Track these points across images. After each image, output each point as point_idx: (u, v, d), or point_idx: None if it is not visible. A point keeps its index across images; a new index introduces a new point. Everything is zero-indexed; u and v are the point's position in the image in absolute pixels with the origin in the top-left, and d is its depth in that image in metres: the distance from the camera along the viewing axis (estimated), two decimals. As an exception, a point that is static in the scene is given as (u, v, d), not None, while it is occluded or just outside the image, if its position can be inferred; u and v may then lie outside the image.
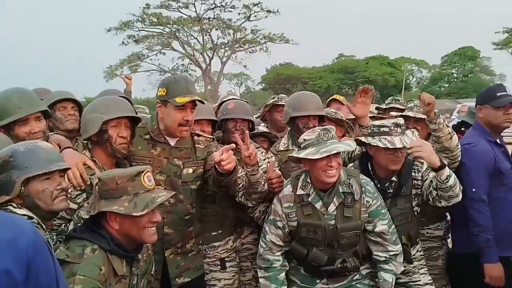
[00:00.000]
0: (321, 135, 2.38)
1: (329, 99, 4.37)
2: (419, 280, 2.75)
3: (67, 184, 1.82)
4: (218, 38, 34.71)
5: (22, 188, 1.70)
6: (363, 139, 2.67)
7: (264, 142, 3.29)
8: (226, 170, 2.22)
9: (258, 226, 2.92)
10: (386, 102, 4.16)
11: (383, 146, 2.52)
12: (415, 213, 2.70)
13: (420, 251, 2.84)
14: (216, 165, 2.25)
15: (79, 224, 2.00)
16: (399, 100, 4.01)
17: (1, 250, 1.03)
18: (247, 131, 2.62)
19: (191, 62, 35.45)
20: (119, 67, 32.89)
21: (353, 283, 2.56)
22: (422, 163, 2.68)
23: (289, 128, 3.10)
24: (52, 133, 2.51)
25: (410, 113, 3.21)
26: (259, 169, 2.55)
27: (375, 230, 2.47)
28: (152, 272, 2.20)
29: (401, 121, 2.63)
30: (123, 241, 1.84)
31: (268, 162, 2.83)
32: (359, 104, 2.87)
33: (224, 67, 35.81)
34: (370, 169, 2.70)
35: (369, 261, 2.63)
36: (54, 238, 2.00)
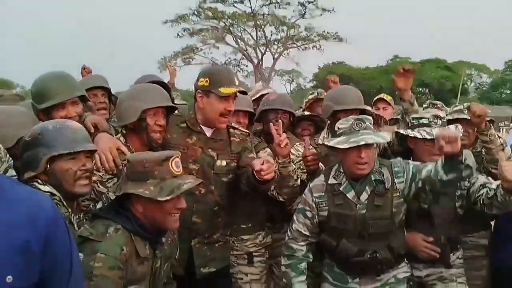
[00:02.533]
0: (354, 124, 2.34)
1: (376, 98, 4.28)
2: None
3: (92, 165, 1.84)
4: (271, 34, 34.63)
5: (48, 165, 1.75)
6: (402, 131, 2.63)
7: (310, 126, 3.25)
8: (264, 180, 2.18)
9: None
10: (424, 106, 3.96)
11: (421, 137, 2.48)
12: (458, 215, 2.58)
13: (460, 258, 2.69)
14: (254, 172, 2.21)
15: (105, 204, 2.03)
16: (436, 104, 3.81)
17: (22, 223, 1.09)
18: (280, 121, 2.64)
19: (243, 57, 35.62)
20: (173, 58, 33.50)
21: (387, 287, 2.47)
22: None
23: (328, 122, 3.03)
24: (88, 113, 2.55)
25: (462, 115, 3.06)
26: (291, 162, 2.51)
27: (423, 175, 2.32)
28: (176, 257, 2.21)
29: (442, 113, 2.57)
30: (147, 224, 1.85)
31: (304, 140, 2.80)
32: (401, 77, 2.81)
33: (276, 63, 35.77)
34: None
35: (407, 265, 2.54)
36: (81, 217, 2.03)
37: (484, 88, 50.82)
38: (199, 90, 2.47)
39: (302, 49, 35.56)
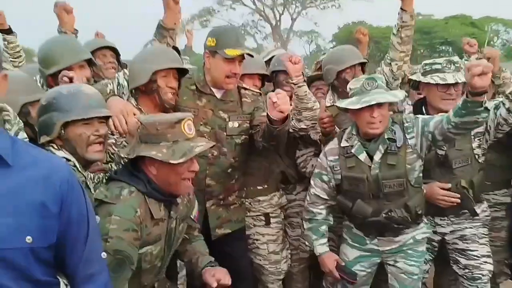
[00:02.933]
0: (365, 84, 2.30)
1: None
2: (476, 250, 2.60)
3: (105, 131, 1.84)
4: (289, -6, 33.89)
5: (62, 131, 1.76)
6: (414, 77, 2.59)
7: (324, 85, 3.18)
8: (281, 110, 2.07)
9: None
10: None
11: (434, 83, 2.44)
12: (476, 156, 2.55)
13: (485, 211, 2.65)
14: (269, 112, 2.15)
15: (120, 167, 2.05)
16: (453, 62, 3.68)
17: (38, 185, 1.11)
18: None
19: (261, 18, 35.03)
20: (190, 21, 33.21)
21: (405, 248, 2.47)
22: None
23: (331, 85, 3.00)
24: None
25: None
26: (305, 82, 2.54)
27: (431, 127, 2.27)
28: (193, 217, 2.23)
29: (456, 58, 2.51)
30: (160, 186, 1.86)
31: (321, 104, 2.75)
32: None
33: (294, 24, 35.11)
34: (424, 112, 2.58)
35: (426, 225, 2.53)
36: (101, 177, 2.05)
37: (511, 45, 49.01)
38: (206, 50, 2.46)
39: (321, 9, 34.83)
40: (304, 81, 2.65)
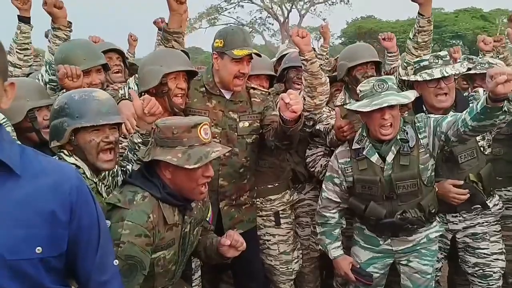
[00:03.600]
0: (375, 86, 2.28)
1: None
2: (487, 248, 2.57)
3: (115, 138, 1.82)
4: (297, -10, 33.73)
5: (73, 137, 1.76)
6: (404, 77, 2.60)
7: (342, 86, 3.15)
8: (294, 110, 2.07)
9: (320, 182, 2.87)
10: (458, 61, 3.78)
11: (422, 79, 2.43)
12: (482, 148, 2.53)
13: (497, 205, 2.62)
14: (281, 113, 2.15)
15: (135, 170, 2.02)
16: (472, 59, 3.66)
17: (47, 194, 1.11)
18: None
19: (269, 15, 34.92)
20: (198, 20, 33.21)
21: (418, 247, 2.46)
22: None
23: (345, 84, 2.98)
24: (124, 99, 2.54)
25: (474, 71, 3.01)
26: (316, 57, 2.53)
27: (444, 128, 2.25)
28: (208, 219, 2.22)
29: (443, 53, 2.50)
30: (175, 191, 1.85)
31: (335, 110, 2.72)
32: None
33: (303, 21, 34.95)
34: (425, 110, 2.56)
35: (439, 224, 2.51)
36: (110, 180, 2.04)
37: (522, 38, 48.22)
38: (214, 52, 2.47)
39: (329, 5, 34.59)
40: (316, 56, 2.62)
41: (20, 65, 2.95)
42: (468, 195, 2.48)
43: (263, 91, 2.65)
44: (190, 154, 1.77)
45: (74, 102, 1.78)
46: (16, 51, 2.94)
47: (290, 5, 33.68)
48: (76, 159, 1.77)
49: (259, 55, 2.56)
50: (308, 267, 3.15)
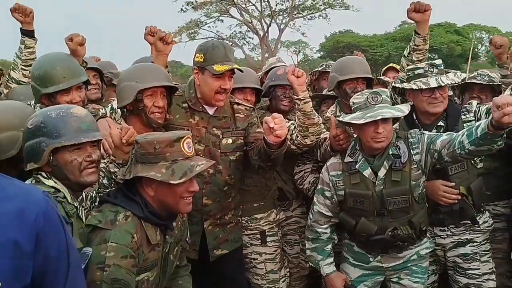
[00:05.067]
0: (369, 98, 2.25)
1: (385, 67, 4.23)
2: (478, 269, 2.53)
3: (98, 156, 1.71)
4: (276, 5, 34.01)
5: (51, 157, 1.62)
6: (398, 85, 2.57)
7: (333, 104, 3.12)
8: (278, 135, 2.04)
9: (307, 199, 2.84)
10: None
11: (417, 88, 2.41)
12: (472, 161, 2.50)
13: (487, 222, 2.59)
14: (265, 136, 2.12)
15: (113, 188, 1.95)
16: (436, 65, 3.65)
17: (10, 221, 1.01)
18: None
19: (248, 29, 35.18)
20: (177, 34, 33.17)
21: (409, 264, 2.42)
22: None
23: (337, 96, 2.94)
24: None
25: (474, 80, 2.98)
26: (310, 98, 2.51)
27: (438, 146, 2.23)
28: (187, 239, 2.16)
29: (438, 61, 2.48)
30: (157, 208, 1.78)
31: (330, 118, 2.65)
32: (414, 11, 2.65)
33: (282, 35, 35.28)
34: (415, 118, 2.55)
35: (429, 240, 2.48)
36: (93, 195, 1.96)
37: (495, 52, 49.58)
38: (195, 67, 2.40)
39: (308, 19, 35.02)
40: (310, 96, 2.59)
41: (24, 82, 2.83)
42: (458, 197, 2.45)
43: (248, 106, 2.58)
44: (174, 169, 1.73)
45: (51, 120, 1.63)
46: (21, 68, 2.83)
47: (270, 19, 34.01)
48: (55, 182, 1.64)
49: (241, 71, 2.49)
50: (298, 286, 3.09)
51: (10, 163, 1.81)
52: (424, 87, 2.41)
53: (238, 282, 2.63)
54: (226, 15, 34.47)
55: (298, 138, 2.55)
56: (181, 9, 33.40)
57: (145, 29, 2.68)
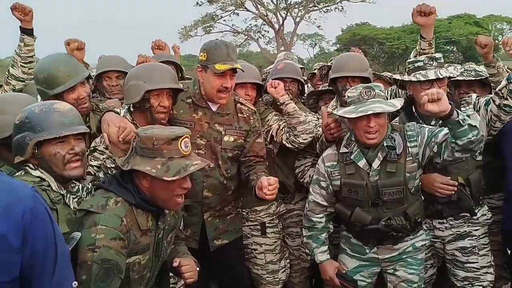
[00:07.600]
0: (363, 93, 2.30)
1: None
2: (476, 262, 2.58)
3: (81, 148, 1.81)
4: (292, -3, 33.87)
5: (36, 150, 1.74)
6: (398, 77, 2.62)
7: (332, 99, 3.16)
8: (266, 198, 2.25)
9: (309, 193, 2.86)
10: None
11: (416, 80, 2.45)
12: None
13: (485, 215, 2.62)
14: (256, 189, 2.30)
15: (109, 176, 2.03)
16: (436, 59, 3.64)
17: None
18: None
19: (264, 22, 35.05)
20: (193, 27, 33.28)
21: (405, 256, 2.46)
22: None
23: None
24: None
25: (459, 77, 3.00)
26: (291, 100, 2.72)
27: (439, 139, 2.28)
28: (180, 228, 2.24)
29: (438, 55, 2.53)
30: (150, 198, 1.85)
31: (321, 110, 2.75)
32: (418, 15, 2.72)
33: (298, 28, 35.06)
34: (414, 110, 2.59)
35: (426, 232, 2.52)
36: (89, 187, 2.04)
37: (516, 43, 48.39)
38: (199, 65, 2.48)
39: (324, 12, 34.68)
40: (291, 99, 2.75)
41: (23, 78, 2.94)
42: (454, 189, 2.48)
43: (250, 108, 2.64)
44: (169, 166, 1.78)
45: (34, 115, 1.74)
46: (21, 65, 2.93)
47: (285, 12, 33.81)
48: (41, 172, 1.75)
49: (242, 70, 2.54)
50: (298, 277, 3.14)
51: (7, 147, 1.90)
52: (422, 79, 2.45)
53: (238, 271, 2.71)
54: (241, 9, 34.36)
55: (291, 137, 2.66)
56: (197, 3, 33.46)
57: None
